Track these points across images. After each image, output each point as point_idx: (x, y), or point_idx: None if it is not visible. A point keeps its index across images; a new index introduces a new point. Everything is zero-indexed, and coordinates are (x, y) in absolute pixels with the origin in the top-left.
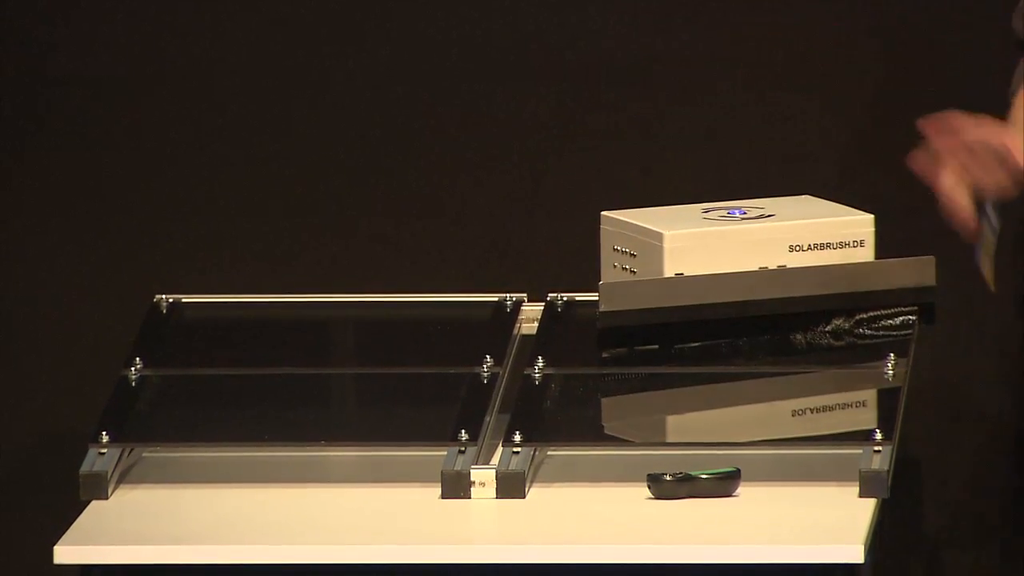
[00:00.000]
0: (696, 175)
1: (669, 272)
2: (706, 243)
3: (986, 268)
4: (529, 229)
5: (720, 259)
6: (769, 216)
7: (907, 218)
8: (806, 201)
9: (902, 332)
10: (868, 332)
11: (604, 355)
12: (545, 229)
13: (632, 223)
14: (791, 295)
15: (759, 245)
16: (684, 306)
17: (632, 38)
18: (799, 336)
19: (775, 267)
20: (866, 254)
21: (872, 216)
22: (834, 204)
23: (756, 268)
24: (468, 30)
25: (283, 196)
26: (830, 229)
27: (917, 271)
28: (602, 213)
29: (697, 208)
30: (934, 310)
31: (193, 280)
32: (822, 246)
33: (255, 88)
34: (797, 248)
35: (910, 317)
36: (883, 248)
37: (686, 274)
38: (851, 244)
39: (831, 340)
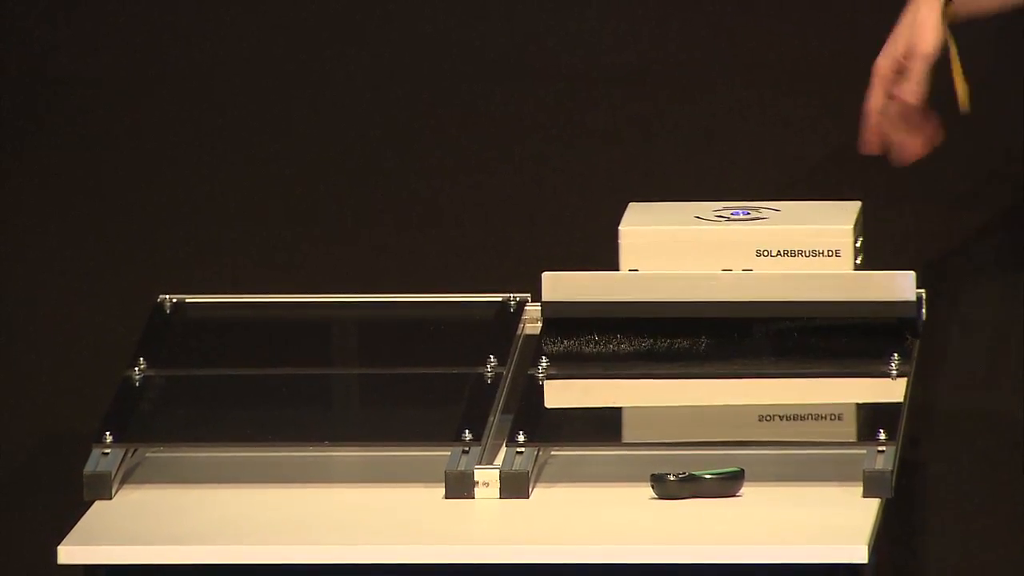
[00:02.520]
0: (704, 175)
1: (624, 268)
2: (663, 241)
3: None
4: (532, 229)
5: (683, 259)
6: (761, 219)
7: (917, 217)
8: (827, 207)
9: (906, 333)
10: (873, 333)
11: (607, 355)
12: (549, 229)
13: (625, 216)
14: (753, 300)
15: (724, 248)
16: (634, 302)
17: (637, 38)
18: (803, 337)
19: (739, 271)
20: (843, 264)
21: (849, 227)
22: (844, 211)
23: (719, 271)
24: (469, 32)
25: (287, 196)
26: (800, 237)
27: (893, 285)
28: (629, 204)
29: (711, 206)
30: (916, 325)
31: (197, 280)
32: (793, 253)
33: (257, 88)
34: (765, 253)
35: (914, 319)
36: (898, 249)
37: (641, 271)
38: (825, 253)
39: (835, 341)
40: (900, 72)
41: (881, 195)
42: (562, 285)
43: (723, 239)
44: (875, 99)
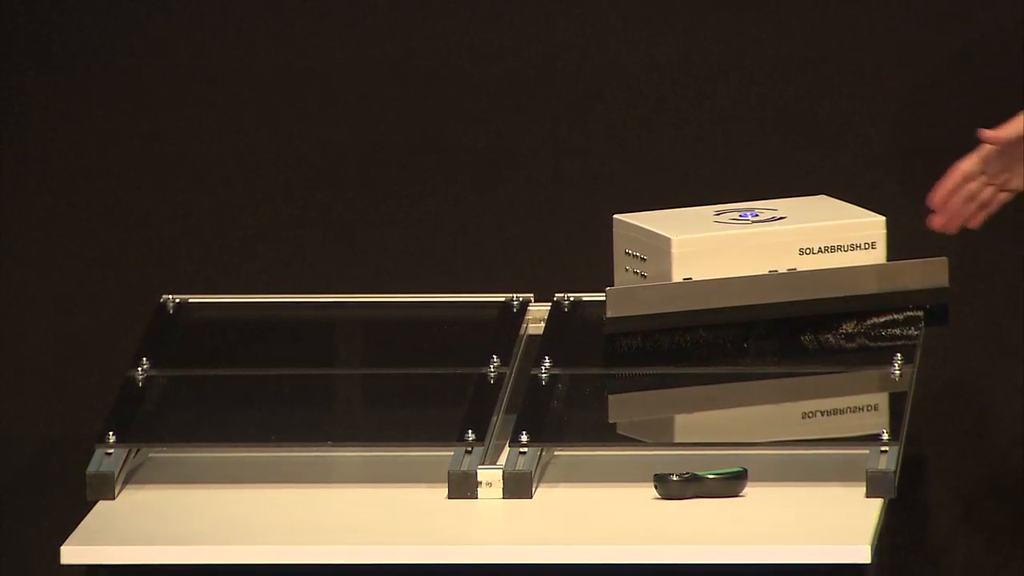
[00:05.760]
0: (707, 176)
1: (677, 276)
2: (714, 247)
3: None
4: (536, 230)
5: (729, 263)
6: (780, 218)
7: (921, 218)
8: (820, 202)
9: (909, 333)
10: (876, 334)
11: (611, 355)
12: (552, 230)
13: (642, 227)
14: (801, 298)
15: (769, 248)
16: (692, 311)
17: (641, 39)
18: (806, 338)
19: (785, 270)
20: (878, 256)
21: (883, 218)
22: (847, 205)
23: (766, 271)
24: (476, 34)
25: (290, 196)
26: (841, 232)
27: (929, 272)
28: (614, 216)
29: (709, 210)
30: (947, 311)
31: (199, 280)
32: (833, 248)
33: (262, 90)
34: (807, 251)
35: (918, 318)
36: (901, 249)
37: (695, 278)
38: (862, 246)
39: (838, 342)
40: (1005, 153)
41: (879, 196)
42: (624, 299)
43: (771, 240)
44: (969, 163)
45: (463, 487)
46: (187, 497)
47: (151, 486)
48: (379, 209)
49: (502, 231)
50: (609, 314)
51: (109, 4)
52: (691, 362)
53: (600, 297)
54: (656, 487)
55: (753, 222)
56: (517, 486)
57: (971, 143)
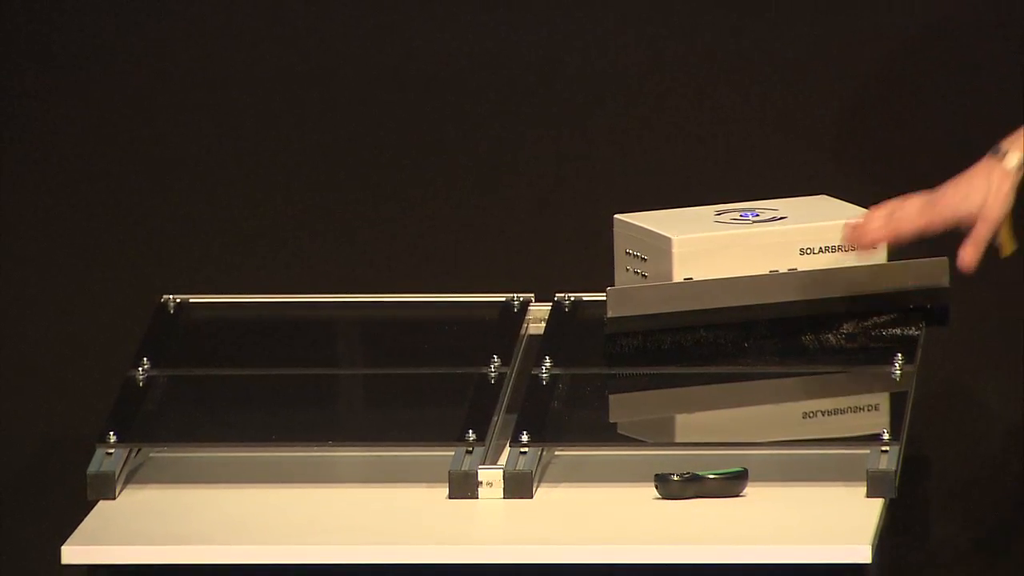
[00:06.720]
0: (707, 176)
1: (678, 276)
2: (715, 247)
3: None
4: (536, 229)
5: (730, 263)
6: (781, 218)
7: None
8: (820, 202)
9: (910, 333)
10: (876, 334)
11: (611, 355)
12: (552, 229)
13: (642, 227)
14: (802, 298)
15: (769, 248)
16: (693, 311)
17: (641, 39)
18: (807, 338)
19: (786, 270)
20: (878, 256)
21: None
22: (847, 205)
23: (767, 271)
24: (476, 33)
25: (291, 196)
26: (841, 232)
27: (929, 272)
28: (614, 216)
29: (709, 210)
30: (948, 311)
31: (199, 280)
32: (833, 248)
33: (261, 88)
34: (808, 251)
35: (918, 318)
36: (901, 249)
37: (695, 278)
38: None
39: (839, 342)
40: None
41: (879, 196)
42: (625, 299)
43: (771, 240)
44: (902, 207)
45: (464, 487)
46: (187, 497)
47: (152, 486)
48: (379, 210)
49: (502, 231)
50: (610, 314)
51: (109, 4)
52: (691, 362)
53: (601, 297)
54: (657, 487)
55: (754, 222)
56: (518, 486)
57: (971, 144)
